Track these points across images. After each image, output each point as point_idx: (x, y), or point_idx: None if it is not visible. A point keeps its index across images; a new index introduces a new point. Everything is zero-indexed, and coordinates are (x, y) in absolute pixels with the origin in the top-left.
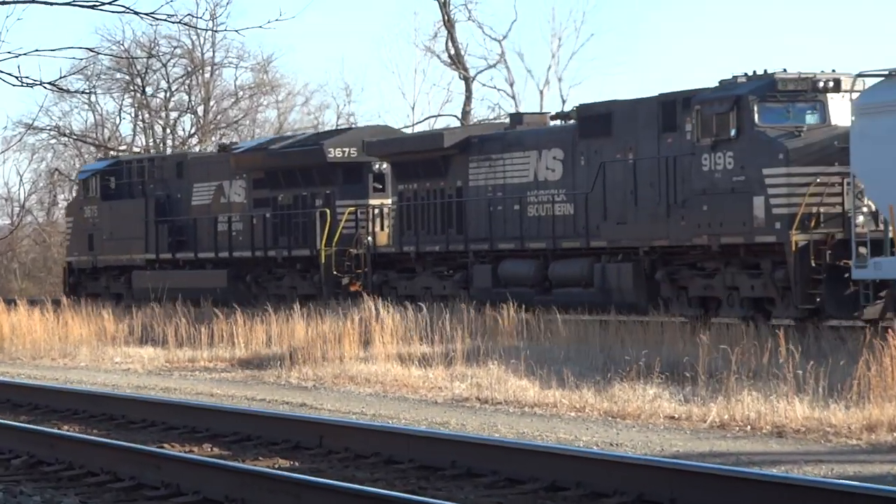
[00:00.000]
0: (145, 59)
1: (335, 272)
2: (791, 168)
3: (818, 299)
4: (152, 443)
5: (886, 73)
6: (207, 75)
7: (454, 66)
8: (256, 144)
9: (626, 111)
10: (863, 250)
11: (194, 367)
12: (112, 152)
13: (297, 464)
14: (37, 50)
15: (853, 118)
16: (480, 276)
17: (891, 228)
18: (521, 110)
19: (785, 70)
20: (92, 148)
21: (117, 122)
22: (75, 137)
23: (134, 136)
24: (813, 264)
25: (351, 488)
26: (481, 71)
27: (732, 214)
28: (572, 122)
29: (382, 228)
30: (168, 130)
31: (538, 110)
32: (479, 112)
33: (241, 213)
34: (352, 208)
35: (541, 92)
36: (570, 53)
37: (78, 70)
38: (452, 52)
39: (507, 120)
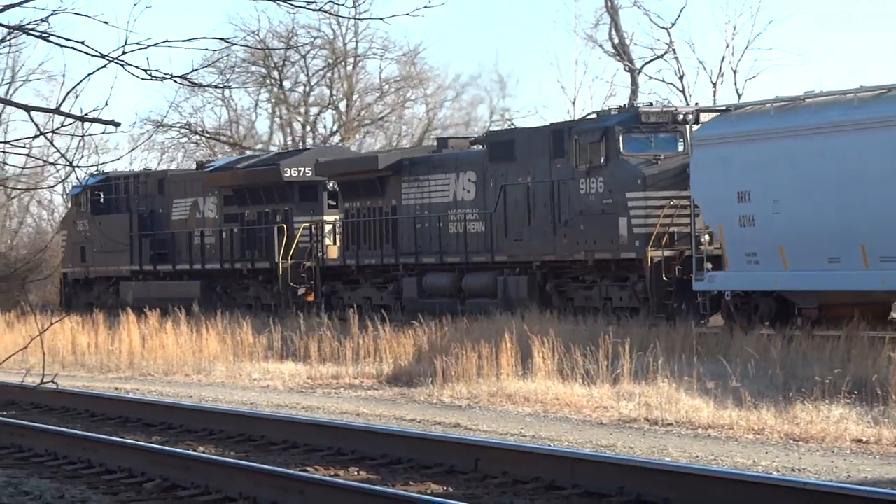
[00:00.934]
0: (283, 51)
1: (291, 283)
2: (648, 192)
3: (671, 308)
4: (294, 466)
5: (723, 108)
6: (350, 68)
7: (618, 57)
8: (226, 163)
9: (526, 138)
10: (709, 265)
11: (338, 385)
12: (248, 151)
13: (450, 489)
14: (167, 41)
15: (692, 149)
16: (409, 287)
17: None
18: (692, 104)
19: (651, 104)
20: (226, 147)
21: (253, 118)
22: (208, 135)
23: (271, 133)
24: (665, 278)
25: None
26: (648, 62)
27: (603, 233)
28: (483, 147)
29: (334, 243)
30: (308, 127)
31: (711, 105)
32: None
33: (213, 227)
34: (307, 224)
35: (714, 85)
36: (746, 43)
37: (210, 63)
38: (616, 41)
39: (435, 143)
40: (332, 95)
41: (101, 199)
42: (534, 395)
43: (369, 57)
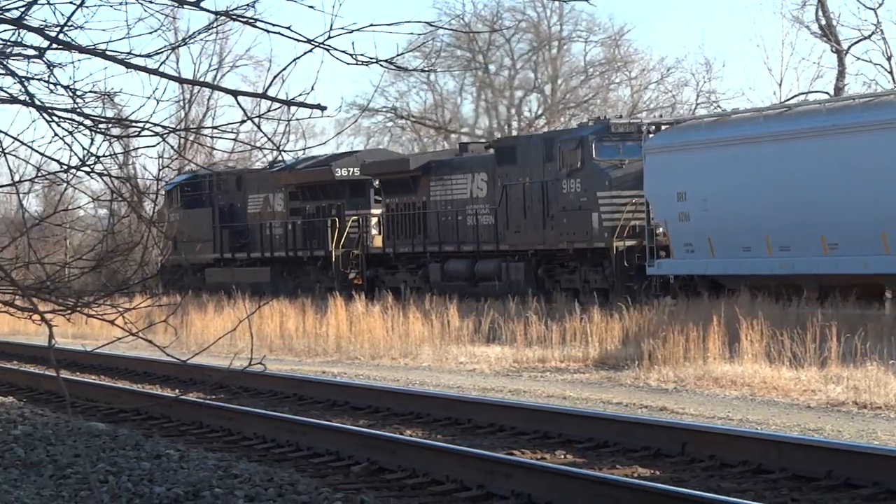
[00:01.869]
0: (488, 34)
1: (342, 269)
2: (614, 192)
3: (633, 290)
4: (501, 449)
5: (672, 122)
6: (555, 51)
7: (825, 38)
8: (292, 163)
9: (525, 145)
10: (662, 253)
11: (545, 368)
12: (453, 135)
13: (657, 472)
14: (372, 25)
15: (645, 156)
16: (434, 272)
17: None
18: None
19: (620, 116)
20: (431, 131)
21: (458, 102)
22: (413, 119)
23: (476, 117)
24: (626, 264)
25: (716, 499)
26: (855, 43)
27: (580, 226)
28: (493, 151)
29: (379, 233)
30: (513, 111)
31: None
32: (854, 88)
33: (280, 220)
34: (355, 217)
35: None
36: None
37: (416, 47)
38: (823, 22)
39: (458, 147)
40: (536, 79)
41: (190, 195)
42: (741, 378)
43: (574, 40)
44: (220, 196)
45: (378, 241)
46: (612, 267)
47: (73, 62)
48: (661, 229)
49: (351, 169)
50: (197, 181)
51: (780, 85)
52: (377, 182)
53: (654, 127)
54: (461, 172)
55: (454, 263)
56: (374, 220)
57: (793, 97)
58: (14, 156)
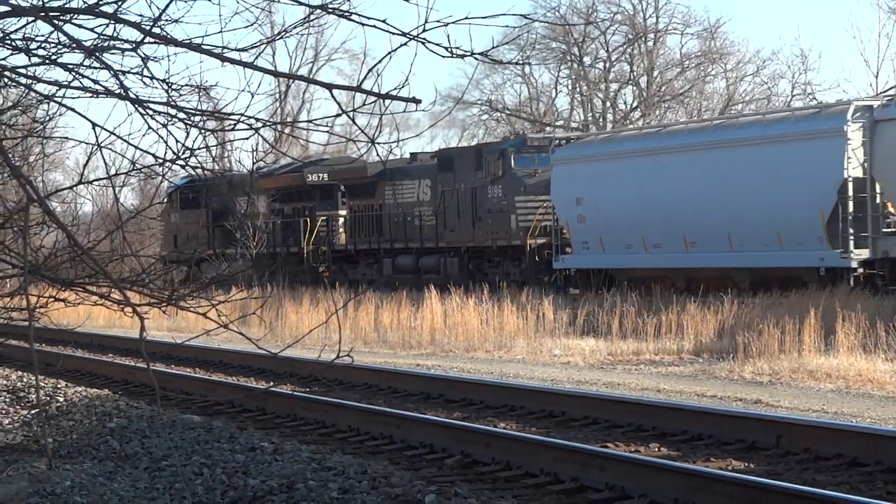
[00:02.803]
0: (583, 27)
1: (312, 263)
2: (528, 196)
3: (543, 281)
4: (595, 442)
5: (575, 136)
6: (650, 43)
7: None
8: (272, 169)
9: (461, 155)
10: (569, 250)
11: (639, 361)
12: (549, 128)
13: (752, 465)
14: (467, 17)
15: (552, 166)
16: (386, 266)
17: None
18: None
19: (539, 131)
20: (526, 124)
21: (553, 95)
22: (508, 112)
23: (571, 110)
24: (537, 259)
25: (812, 493)
26: None
27: (502, 226)
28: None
29: (345, 232)
30: (608, 104)
31: None
32: None
33: (263, 220)
34: (324, 217)
35: None
36: None
37: (511, 39)
38: None
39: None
40: (632, 71)
41: (188, 197)
42: (835, 371)
43: (670, 32)
44: (214, 199)
45: (343, 239)
46: (527, 261)
47: (168, 56)
48: (564, 229)
49: (321, 175)
50: (194, 185)
51: (877, 76)
52: (343, 186)
53: (564, 141)
54: (410, 179)
55: (403, 259)
56: (341, 221)
57: (889, 89)
58: (110, 149)
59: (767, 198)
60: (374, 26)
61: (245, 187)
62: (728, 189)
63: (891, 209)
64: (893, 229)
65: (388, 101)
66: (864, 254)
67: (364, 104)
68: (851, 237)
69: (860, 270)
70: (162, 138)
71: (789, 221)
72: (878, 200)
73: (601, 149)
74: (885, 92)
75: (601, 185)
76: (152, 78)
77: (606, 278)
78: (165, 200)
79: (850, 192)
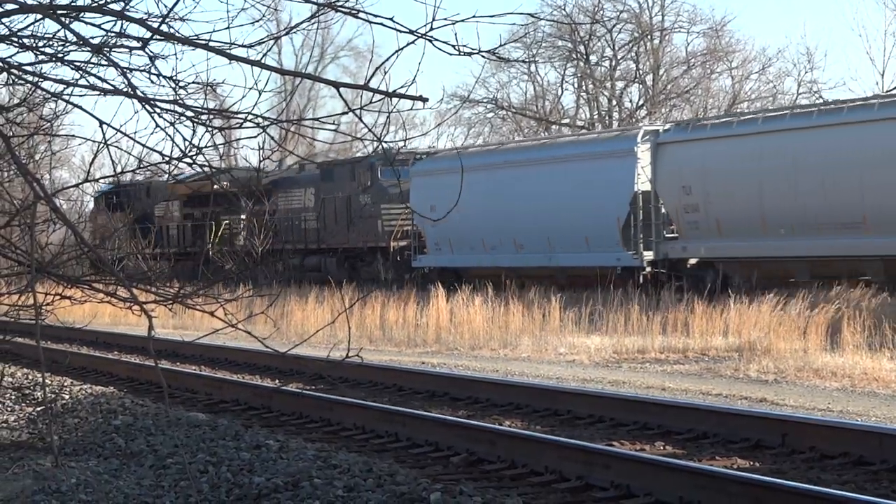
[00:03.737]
0: (589, 25)
1: (218, 263)
2: (391, 204)
3: (405, 279)
4: (600, 440)
5: (434, 151)
6: (656, 41)
7: None
8: (185, 177)
9: (339, 167)
10: (426, 251)
11: (644, 359)
12: (555, 126)
13: (757, 464)
14: (474, 16)
15: (411, 178)
16: (280, 265)
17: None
18: None
19: (404, 146)
20: (532, 122)
21: (559, 93)
22: (514, 111)
23: (577, 108)
24: (399, 259)
25: (817, 491)
26: None
27: (370, 230)
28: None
29: (247, 234)
30: (614, 102)
31: None
32: None
33: (177, 223)
34: (227, 221)
35: None
36: None
37: (517, 38)
38: None
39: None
40: (638, 70)
41: (112, 202)
42: (841, 369)
43: (676, 30)
44: (136, 203)
45: (243, 241)
46: (390, 261)
47: (175, 53)
48: (422, 233)
49: (224, 183)
50: (118, 190)
51: (883, 75)
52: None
53: (424, 156)
54: (298, 187)
55: (292, 259)
56: (242, 224)
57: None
58: (116, 147)
59: (577, 208)
60: (382, 24)
61: (162, 193)
62: (548, 200)
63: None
64: (674, 235)
65: (395, 99)
66: (651, 255)
67: (371, 102)
68: (641, 241)
69: (648, 269)
70: (169, 136)
71: (594, 228)
72: (662, 210)
73: (450, 164)
74: (891, 90)
75: (450, 194)
76: (159, 76)
77: (456, 276)
78: (92, 205)
79: (640, 204)
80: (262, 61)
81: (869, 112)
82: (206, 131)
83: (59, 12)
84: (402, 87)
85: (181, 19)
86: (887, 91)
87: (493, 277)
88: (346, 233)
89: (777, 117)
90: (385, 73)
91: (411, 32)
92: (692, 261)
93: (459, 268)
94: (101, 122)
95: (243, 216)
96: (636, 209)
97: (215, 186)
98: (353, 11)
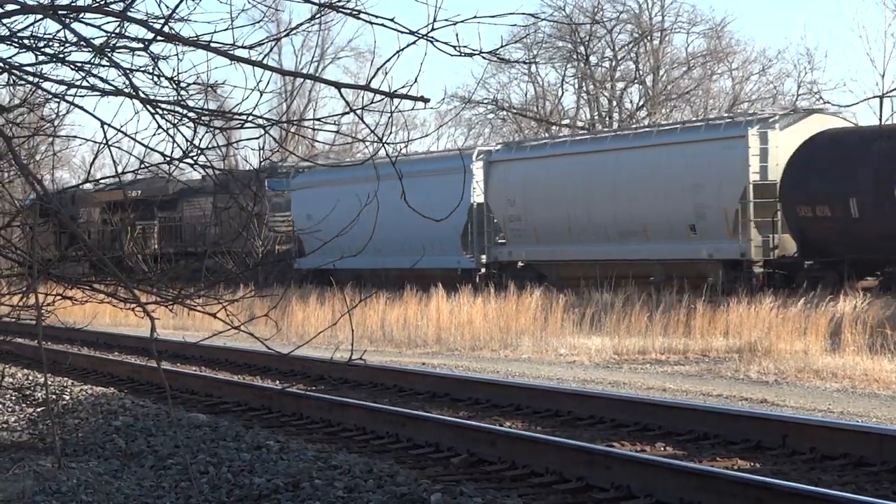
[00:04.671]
0: (589, 26)
1: (132, 266)
2: (278, 213)
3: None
4: (601, 441)
5: (314, 165)
6: (656, 42)
7: None
8: (102, 186)
9: (232, 179)
10: (305, 254)
11: (644, 360)
12: (555, 128)
13: (757, 465)
14: (475, 17)
15: (291, 190)
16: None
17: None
18: None
19: (298, 160)
20: (532, 123)
21: (559, 94)
22: (515, 111)
23: (577, 108)
24: (288, 261)
25: (818, 493)
26: None
27: (258, 236)
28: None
29: (156, 239)
30: (614, 103)
31: None
32: None
33: (96, 228)
34: (141, 225)
35: None
36: None
37: (518, 38)
38: None
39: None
40: (638, 70)
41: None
42: (841, 370)
43: (676, 31)
44: (63, 209)
45: (154, 245)
46: (271, 265)
47: (177, 54)
48: (302, 238)
49: (137, 192)
50: (42, 200)
51: (883, 76)
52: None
53: (305, 169)
54: (202, 196)
55: (194, 261)
56: (155, 229)
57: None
58: (118, 147)
59: (423, 219)
60: (383, 25)
61: (84, 200)
62: (402, 209)
63: None
64: (503, 241)
65: (396, 100)
66: (485, 259)
67: (372, 102)
68: (476, 247)
69: (483, 270)
70: (171, 136)
71: (440, 236)
72: (494, 220)
73: (321, 177)
74: (891, 91)
75: (322, 205)
76: (161, 76)
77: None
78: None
79: (474, 214)
80: (263, 62)
81: (647, 139)
82: (208, 132)
83: (59, 12)
84: (403, 87)
85: (182, 20)
86: (887, 91)
87: (364, 277)
88: (240, 239)
89: (579, 141)
90: (386, 73)
91: (412, 33)
92: (520, 263)
93: (335, 269)
94: (103, 123)
95: (155, 222)
96: (472, 219)
97: (131, 193)
98: (354, 12)
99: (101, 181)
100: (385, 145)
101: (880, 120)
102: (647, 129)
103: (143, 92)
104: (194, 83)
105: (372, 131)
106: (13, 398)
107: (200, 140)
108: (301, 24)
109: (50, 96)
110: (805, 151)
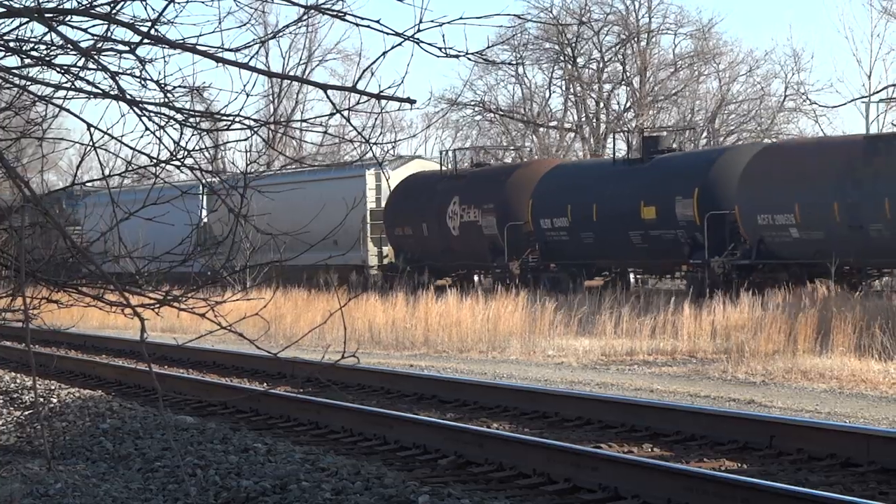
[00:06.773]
0: (576, 27)
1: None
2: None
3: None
4: (588, 442)
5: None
6: (643, 43)
7: None
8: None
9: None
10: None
11: (632, 361)
12: (541, 129)
13: (745, 466)
14: (461, 18)
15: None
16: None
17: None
18: None
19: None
20: (519, 125)
21: (546, 95)
22: (502, 113)
23: (565, 110)
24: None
25: (805, 493)
26: None
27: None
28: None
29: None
30: (601, 104)
31: None
32: None
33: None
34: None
35: None
36: None
37: (505, 40)
38: None
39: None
40: (625, 72)
41: None
42: (829, 371)
43: (663, 32)
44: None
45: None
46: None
47: (163, 57)
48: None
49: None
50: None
51: (870, 76)
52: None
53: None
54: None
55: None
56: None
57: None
58: (104, 150)
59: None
60: (369, 26)
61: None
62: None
63: None
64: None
65: (383, 102)
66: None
67: (358, 104)
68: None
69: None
70: (158, 139)
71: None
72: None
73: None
74: (877, 92)
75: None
76: (148, 79)
77: None
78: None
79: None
80: (250, 64)
81: (315, 174)
82: (195, 134)
83: (46, 15)
84: (389, 88)
85: (169, 23)
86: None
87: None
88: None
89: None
90: (372, 74)
91: (398, 35)
92: None
93: None
94: (89, 125)
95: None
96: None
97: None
98: (340, 14)
99: (88, 184)
100: (372, 147)
101: (867, 121)
102: (313, 168)
103: (130, 94)
104: (181, 86)
105: (359, 133)
106: (0, 401)
107: (187, 142)
108: (288, 26)
109: (37, 99)
110: (400, 187)
